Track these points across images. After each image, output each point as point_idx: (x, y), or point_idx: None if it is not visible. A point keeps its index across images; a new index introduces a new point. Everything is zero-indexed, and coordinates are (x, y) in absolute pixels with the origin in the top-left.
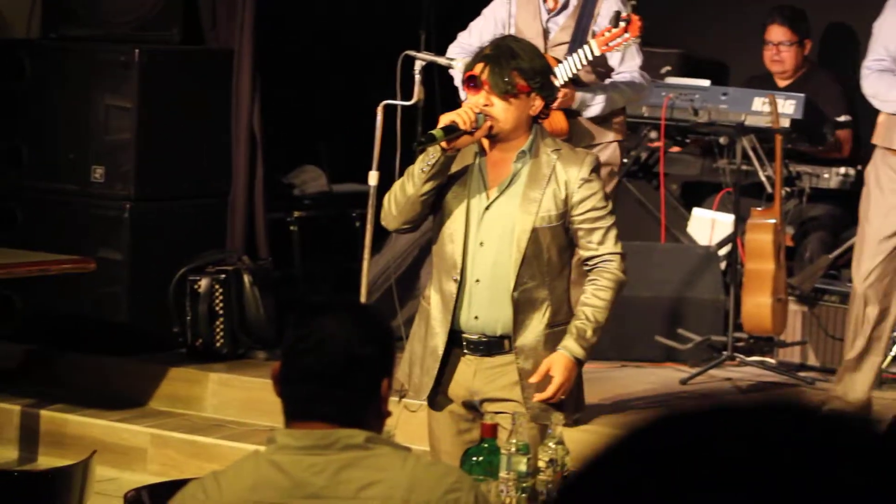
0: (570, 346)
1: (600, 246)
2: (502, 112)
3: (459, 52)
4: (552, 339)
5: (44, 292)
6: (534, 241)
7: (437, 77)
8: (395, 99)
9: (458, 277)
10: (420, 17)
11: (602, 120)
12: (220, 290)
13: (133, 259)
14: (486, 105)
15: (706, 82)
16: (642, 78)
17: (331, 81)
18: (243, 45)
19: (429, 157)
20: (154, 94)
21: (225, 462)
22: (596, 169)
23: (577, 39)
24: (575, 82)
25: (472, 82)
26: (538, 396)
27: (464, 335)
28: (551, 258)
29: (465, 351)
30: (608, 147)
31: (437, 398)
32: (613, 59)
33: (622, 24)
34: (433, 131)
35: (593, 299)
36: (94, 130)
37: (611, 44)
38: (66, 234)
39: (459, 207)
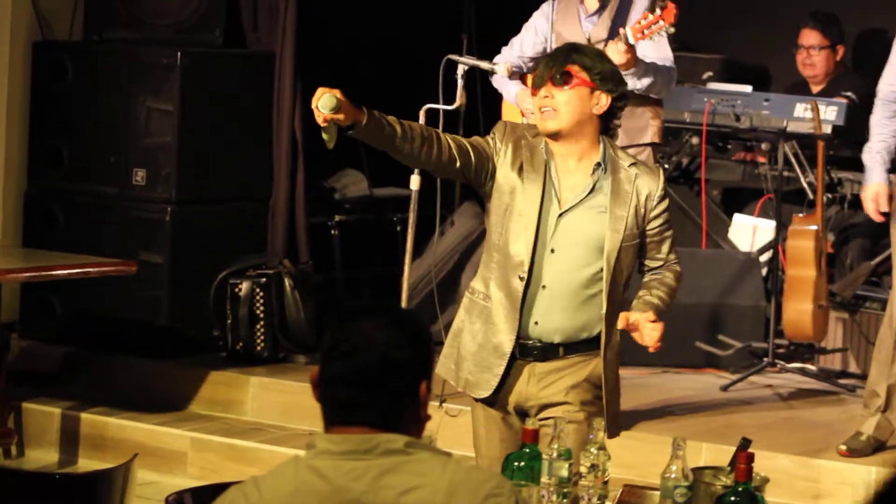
0: (646, 304)
1: (668, 254)
2: (562, 104)
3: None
4: (620, 350)
5: (84, 295)
6: (620, 260)
7: (479, 81)
8: (437, 103)
9: (525, 276)
10: (462, 21)
11: (640, 123)
12: (261, 294)
13: (174, 262)
14: (545, 97)
15: (748, 88)
16: (672, 70)
17: (373, 85)
18: (285, 48)
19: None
20: (195, 96)
21: (264, 466)
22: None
23: (613, 35)
24: None
25: (534, 82)
26: (653, 344)
27: (520, 339)
28: (629, 274)
29: (519, 355)
30: (643, 151)
31: (494, 400)
32: (648, 52)
33: (658, 10)
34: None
35: (659, 285)
36: (135, 133)
37: (646, 31)
38: (107, 236)
39: (530, 207)
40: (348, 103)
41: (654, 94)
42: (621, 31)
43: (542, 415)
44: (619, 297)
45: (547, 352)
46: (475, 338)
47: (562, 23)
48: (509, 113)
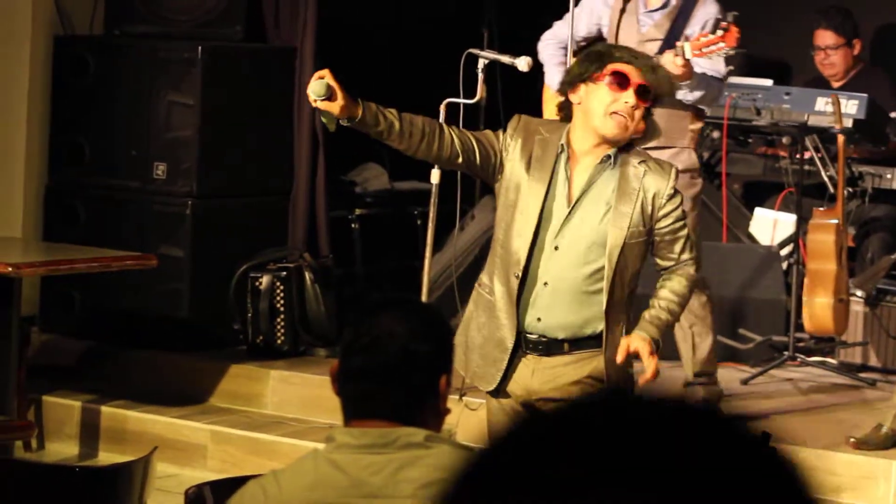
0: (646, 328)
1: (681, 255)
2: (637, 120)
3: (552, 40)
4: None
5: (105, 289)
6: (623, 257)
7: (500, 75)
8: (457, 97)
9: (520, 274)
10: (483, 15)
11: (681, 125)
12: (282, 288)
13: (194, 256)
14: (634, 108)
15: (769, 82)
16: (722, 84)
17: (393, 79)
18: (306, 42)
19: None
20: (216, 91)
21: (284, 459)
22: (677, 181)
23: (671, 39)
24: None
25: (620, 79)
26: (645, 378)
27: (524, 334)
28: (635, 272)
29: (525, 350)
30: (683, 152)
31: (498, 393)
32: (701, 62)
33: (720, 31)
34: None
35: (671, 296)
36: (156, 127)
37: (704, 49)
38: (128, 230)
39: (533, 204)
40: (345, 95)
41: (702, 106)
42: (678, 44)
43: (547, 406)
44: (624, 295)
45: (551, 347)
46: (481, 330)
47: (621, 10)
48: (550, 102)
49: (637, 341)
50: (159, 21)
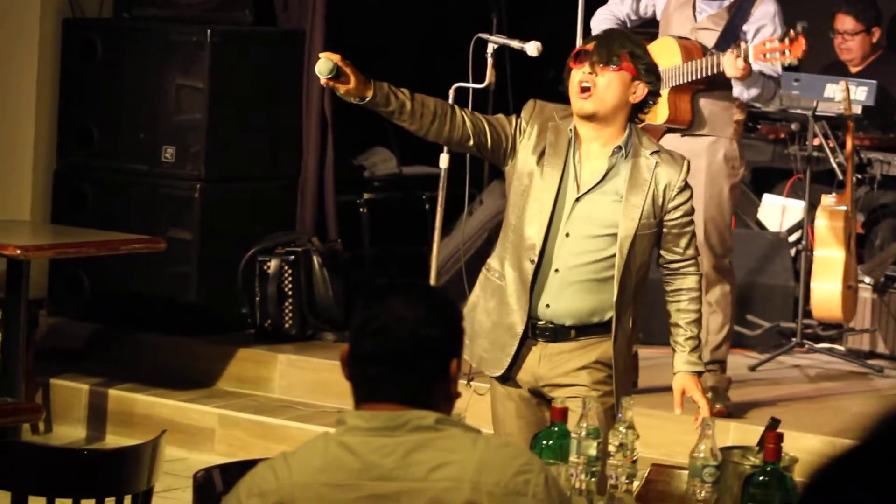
0: (689, 364)
1: (686, 250)
2: (603, 87)
3: (607, 15)
4: (631, 336)
5: (113, 272)
6: (633, 247)
7: (509, 60)
8: (467, 82)
9: (536, 259)
10: (492, 0)
11: (726, 115)
12: (290, 272)
13: (203, 239)
14: (589, 73)
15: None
16: (778, 82)
17: (403, 63)
18: (315, 26)
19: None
20: (225, 74)
21: (292, 443)
22: (688, 174)
23: (727, 34)
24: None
25: (577, 56)
26: (701, 417)
27: (532, 320)
28: (644, 262)
29: (531, 335)
30: (724, 142)
31: (506, 380)
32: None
33: (787, 40)
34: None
35: (691, 311)
36: (164, 111)
37: (768, 55)
38: (136, 213)
39: (547, 191)
40: (355, 73)
41: (757, 104)
42: (743, 45)
43: (553, 394)
44: (632, 284)
45: (558, 333)
46: (489, 315)
47: None
48: None
49: (687, 383)
50: (168, 4)
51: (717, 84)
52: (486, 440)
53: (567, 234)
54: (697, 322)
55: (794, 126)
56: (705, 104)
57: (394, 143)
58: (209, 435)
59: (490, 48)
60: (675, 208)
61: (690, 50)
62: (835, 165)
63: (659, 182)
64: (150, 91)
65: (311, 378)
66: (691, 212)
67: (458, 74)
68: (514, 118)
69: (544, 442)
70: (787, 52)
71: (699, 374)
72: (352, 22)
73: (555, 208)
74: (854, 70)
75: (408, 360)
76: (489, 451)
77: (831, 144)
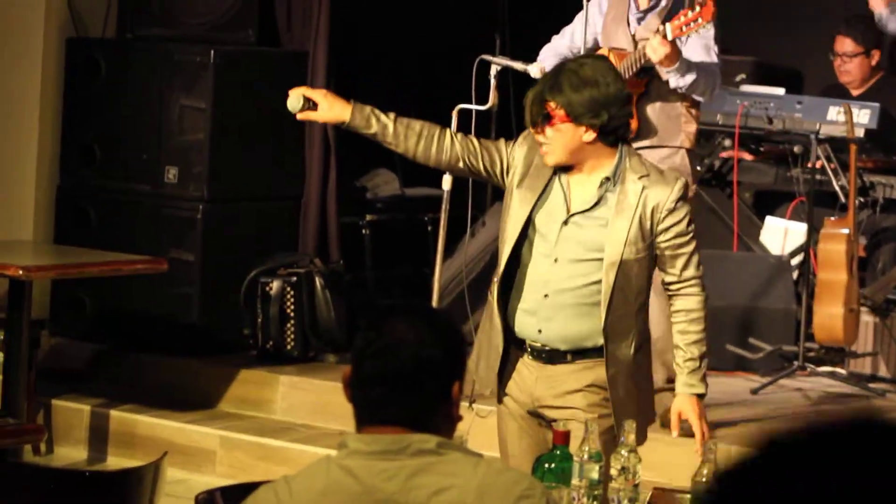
0: (689, 386)
1: (683, 272)
2: (550, 140)
3: (550, 54)
4: (637, 363)
5: (115, 292)
6: (622, 273)
7: (512, 82)
8: (469, 103)
9: (499, 280)
10: (496, 21)
11: (673, 124)
12: (292, 293)
13: (205, 260)
14: (538, 134)
15: (781, 90)
16: (716, 72)
17: (405, 85)
18: (318, 47)
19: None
20: (228, 95)
21: (294, 465)
22: (683, 196)
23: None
24: (646, 70)
25: (525, 120)
26: (699, 449)
27: (528, 342)
28: (641, 287)
29: (528, 357)
30: (677, 153)
31: (505, 399)
32: (694, 54)
33: (697, 7)
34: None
35: (691, 333)
36: (167, 131)
37: (684, 28)
38: (139, 234)
39: (523, 211)
40: (329, 99)
41: (697, 94)
42: (660, 27)
43: (550, 414)
44: (631, 310)
45: (554, 356)
46: (486, 335)
47: (612, 16)
48: None
49: (685, 405)
50: (172, 24)
51: (660, 92)
52: (488, 464)
53: (556, 259)
54: (698, 343)
55: (796, 149)
56: (651, 112)
57: (397, 165)
58: (211, 456)
59: (493, 70)
60: (667, 229)
61: (621, 56)
62: (837, 188)
63: (647, 205)
64: (153, 111)
65: (312, 400)
66: (686, 232)
67: (461, 96)
68: (511, 141)
69: (546, 465)
70: (699, 20)
71: (701, 396)
72: (355, 43)
73: (528, 229)
74: (854, 93)
75: (409, 383)
76: (490, 476)
77: (834, 167)
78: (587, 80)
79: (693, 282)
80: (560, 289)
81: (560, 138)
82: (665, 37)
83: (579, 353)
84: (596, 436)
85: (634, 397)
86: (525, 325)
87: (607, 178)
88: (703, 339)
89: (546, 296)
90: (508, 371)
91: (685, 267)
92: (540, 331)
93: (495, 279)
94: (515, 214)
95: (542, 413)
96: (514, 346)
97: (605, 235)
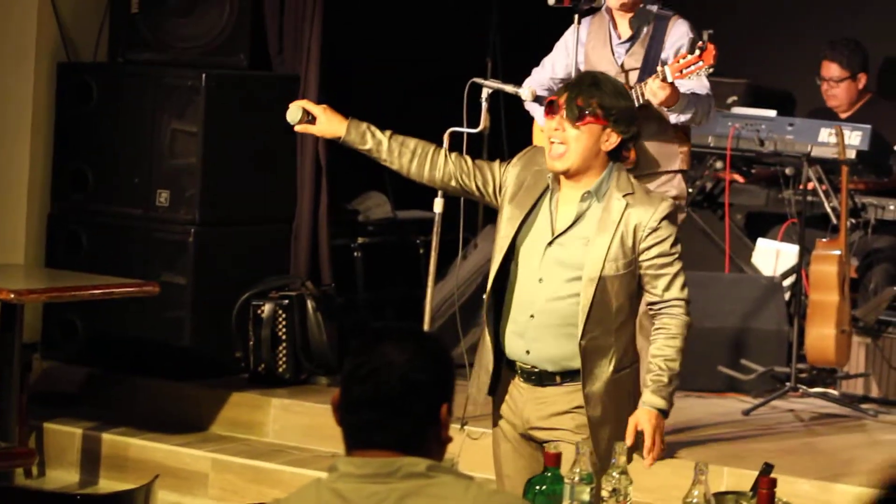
0: (650, 400)
1: (665, 292)
2: (572, 140)
3: (533, 86)
4: (618, 384)
5: (107, 316)
6: (601, 290)
7: (504, 105)
8: (461, 126)
9: (488, 298)
10: (487, 45)
11: (669, 150)
12: (284, 316)
13: (196, 283)
14: (556, 129)
15: (772, 112)
16: (710, 98)
17: (397, 108)
18: (309, 70)
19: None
20: (220, 118)
21: (286, 488)
22: (669, 216)
23: (648, 65)
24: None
25: (549, 107)
26: (646, 463)
27: (518, 363)
28: (621, 305)
29: (519, 379)
30: (674, 178)
31: (499, 421)
32: (685, 82)
33: (697, 51)
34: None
35: (665, 349)
36: (159, 155)
37: (684, 70)
38: (130, 258)
39: (510, 230)
40: (328, 113)
41: (695, 124)
42: (660, 69)
43: (539, 436)
44: (610, 328)
45: (543, 378)
46: (478, 354)
47: (593, 45)
48: (539, 136)
49: (641, 416)
50: (163, 49)
51: (650, 122)
52: (479, 487)
53: (540, 280)
54: (669, 362)
55: (788, 170)
56: (649, 143)
57: (388, 188)
58: (202, 479)
59: (485, 93)
60: (649, 248)
61: None
62: (829, 210)
63: (629, 223)
64: (144, 135)
65: (304, 422)
66: (669, 253)
67: (453, 119)
68: (503, 163)
69: (537, 487)
70: (700, 63)
71: (662, 412)
72: (346, 66)
73: (514, 249)
74: (843, 116)
75: (398, 406)
76: (482, 498)
77: (825, 189)
78: (622, 91)
79: (676, 303)
80: (545, 309)
81: (584, 140)
82: (665, 80)
83: (567, 375)
84: (587, 457)
85: (612, 417)
86: (514, 346)
87: (589, 193)
88: (677, 359)
89: (532, 316)
90: (501, 393)
91: (667, 287)
92: (528, 352)
93: (486, 297)
94: (503, 231)
95: (533, 435)
96: (506, 367)
97: (586, 252)
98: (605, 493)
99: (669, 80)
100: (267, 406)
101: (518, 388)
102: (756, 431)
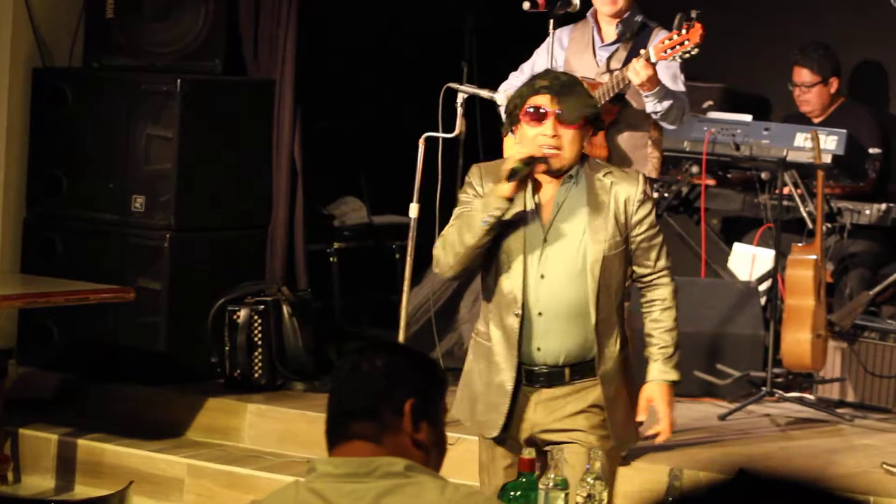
0: (663, 373)
1: (657, 262)
2: (569, 143)
3: (507, 91)
4: (624, 362)
5: (82, 322)
6: (605, 270)
7: (479, 110)
8: (436, 131)
9: (520, 312)
10: (462, 49)
11: (640, 153)
12: (259, 321)
13: (172, 289)
14: (553, 136)
15: (748, 117)
16: (686, 99)
17: (372, 113)
18: (285, 75)
19: (490, 209)
20: (195, 124)
21: (261, 493)
22: (647, 189)
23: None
24: (619, 97)
25: (535, 114)
26: (660, 438)
27: (524, 367)
28: (618, 284)
29: (525, 383)
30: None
31: (504, 441)
32: (663, 79)
33: (684, 30)
34: (514, 166)
35: (665, 320)
36: (134, 160)
37: (669, 50)
38: (106, 263)
39: (515, 242)
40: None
41: (668, 122)
42: (643, 50)
43: (551, 438)
44: (613, 308)
45: (553, 378)
46: (482, 377)
47: (575, 51)
48: (511, 147)
49: (655, 392)
50: (138, 54)
51: (630, 121)
52: (455, 488)
53: (542, 276)
54: (671, 331)
55: (763, 175)
56: (621, 140)
57: (364, 193)
58: (178, 485)
59: (460, 98)
60: (640, 222)
61: (594, 86)
62: (805, 214)
63: (618, 199)
64: (119, 140)
65: (280, 428)
66: (655, 224)
67: (428, 124)
68: (468, 190)
69: (512, 493)
70: (686, 42)
71: (674, 383)
72: (321, 72)
73: (526, 255)
74: (816, 121)
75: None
76: (457, 499)
77: (801, 193)
78: (583, 84)
79: (665, 272)
80: (552, 304)
81: (578, 140)
82: (648, 60)
83: (577, 372)
84: (598, 461)
85: (623, 394)
86: (524, 348)
87: (570, 177)
88: (676, 327)
89: (540, 314)
90: (510, 407)
91: (658, 257)
92: (539, 349)
93: (480, 325)
94: (509, 246)
95: (543, 438)
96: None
97: (586, 237)
98: (579, 499)
99: (653, 59)
100: (243, 412)
101: (524, 394)
102: (732, 436)
